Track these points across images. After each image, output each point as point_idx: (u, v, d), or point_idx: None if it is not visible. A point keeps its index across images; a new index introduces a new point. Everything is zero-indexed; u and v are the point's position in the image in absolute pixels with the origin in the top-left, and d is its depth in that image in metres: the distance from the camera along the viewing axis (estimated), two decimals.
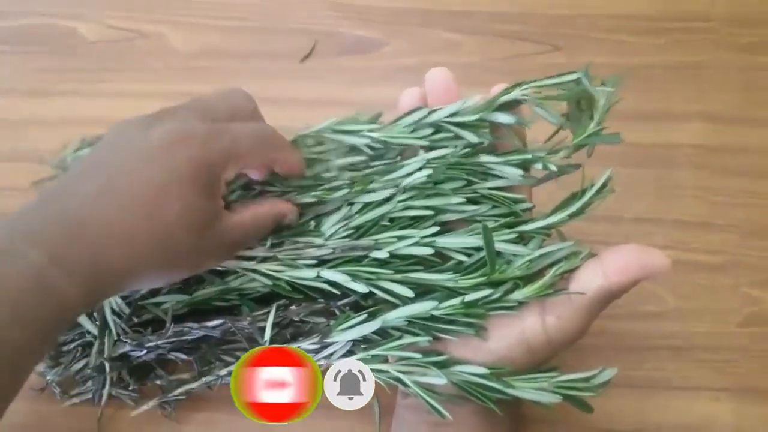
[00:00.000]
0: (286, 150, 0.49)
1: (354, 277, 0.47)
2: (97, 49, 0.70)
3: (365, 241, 0.48)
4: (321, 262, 0.49)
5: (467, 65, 0.69)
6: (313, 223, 0.51)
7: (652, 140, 0.65)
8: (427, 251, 0.46)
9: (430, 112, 0.49)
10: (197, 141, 0.43)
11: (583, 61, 0.67)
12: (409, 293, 0.46)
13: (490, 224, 0.45)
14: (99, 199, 0.41)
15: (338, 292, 0.49)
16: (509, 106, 0.48)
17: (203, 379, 0.52)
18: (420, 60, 0.69)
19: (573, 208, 0.45)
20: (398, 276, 0.47)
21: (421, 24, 0.71)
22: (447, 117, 0.48)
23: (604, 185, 0.45)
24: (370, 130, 0.50)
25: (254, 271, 0.50)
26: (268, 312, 0.51)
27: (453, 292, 0.45)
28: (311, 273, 0.48)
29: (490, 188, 0.48)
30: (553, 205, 0.47)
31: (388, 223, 0.49)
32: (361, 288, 0.47)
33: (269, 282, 0.50)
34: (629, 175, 0.63)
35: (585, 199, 0.45)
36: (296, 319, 0.51)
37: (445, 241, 0.47)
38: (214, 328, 0.51)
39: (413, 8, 0.72)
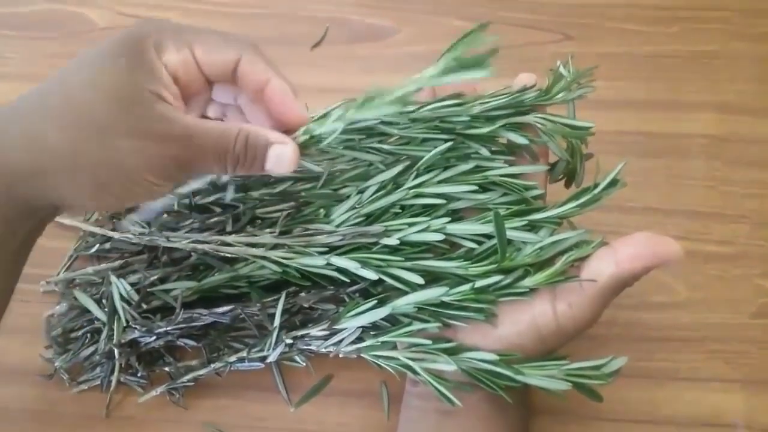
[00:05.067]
0: (257, 57, 0.41)
1: (364, 264, 0.47)
2: (108, 35, 0.69)
3: (375, 228, 0.47)
4: (330, 249, 0.49)
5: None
6: (323, 211, 0.51)
7: (665, 130, 0.65)
8: (437, 237, 0.46)
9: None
10: (140, 26, 0.39)
11: (594, 51, 0.68)
12: (419, 280, 0.46)
13: (501, 212, 0.45)
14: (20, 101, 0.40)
15: (347, 280, 0.49)
16: (523, 126, 0.48)
17: (212, 365, 0.52)
18: (430, 48, 0.69)
19: (583, 199, 0.45)
20: (408, 263, 0.46)
21: (432, 12, 0.71)
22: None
23: (615, 180, 0.45)
24: (380, 141, 0.50)
25: (264, 258, 0.50)
26: (278, 299, 0.51)
27: (463, 279, 0.45)
28: (321, 260, 0.48)
29: (501, 175, 0.47)
30: (565, 194, 0.47)
31: (399, 210, 0.49)
32: (371, 275, 0.47)
33: (279, 269, 0.50)
34: (642, 164, 0.63)
35: (596, 191, 0.45)
36: (306, 305, 0.51)
37: (455, 228, 0.46)
38: (223, 314, 0.51)
39: None
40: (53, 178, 0.38)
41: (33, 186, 0.39)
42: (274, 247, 0.50)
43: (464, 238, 0.46)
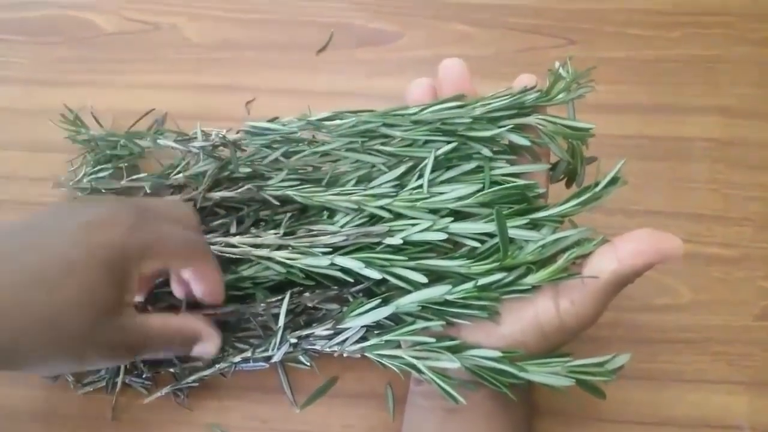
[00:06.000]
0: (210, 267, 0.48)
1: (368, 263, 0.47)
2: (114, 41, 0.70)
3: (379, 228, 0.48)
4: (334, 250, 0.49)
5: (481, 58, 0.69)
6: (326, 213, 0.51)
7: (667, 134, 0.65)
8: (440, 237, 0.46)
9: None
10: (121, 227, 0.43)
11: (596, 55, 0.68)
12: (423, 279, 0.46)
13: (503, 211, 0.45)
14: None
15: (351, 280, 0.49)
16: (524, 127, 0.48)
17: (216, 366, 0.52)
18: (434, 52, 0.69)
19: (584, 197, 0.45)
20: (411, 263, 0.47)
21: (436, 16, 0.71)
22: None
23: (615, 178, 0.45)
24: (382, 143, 0.50)
25: (268, 258, 0.50)
26: (282, 299, 0.51)
27: (466, 278, 0.45)
28: (325, 260, 0.48)
29: (503, 174, 0.48)
30: (566, 195, 0.47)
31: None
32: (375, 274, 0.47)
33: (283, 270, 0.50)
34: (644, 168, 0.63)
35: (597, 189, 0.45)
36: (310, 305, 0.51)
37: (458, 227, 0.46)
38: (229, 313, 0.52)
39: (428, 1, 0.72)
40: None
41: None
42: (279, 248, 0.50)
43: (467, 237, 0.47)
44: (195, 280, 0.48)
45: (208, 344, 0.49)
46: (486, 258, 0.45)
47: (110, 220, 0.43)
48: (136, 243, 0.43)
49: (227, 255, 0.51)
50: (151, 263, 0.45)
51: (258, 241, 0.50)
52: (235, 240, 0.51)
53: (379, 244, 0.48)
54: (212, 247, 0.51)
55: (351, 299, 0.50)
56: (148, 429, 0.55)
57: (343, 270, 0.49)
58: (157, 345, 0.46)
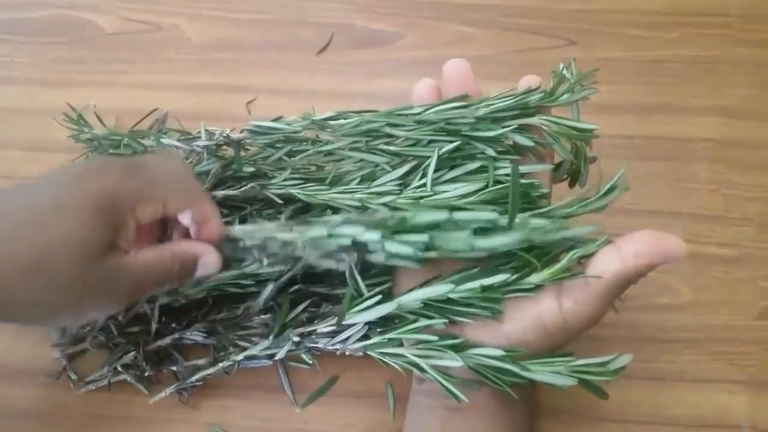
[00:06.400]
0: (207, 205, 0.48)
1: (368, 228, 0.46)
2: (115, 41, 0.71)
3: (381, 213, 0.47)
4: None
5: (481, 58, 0.69)
6: (330, 211, 0.51)
7: (667, 134, 0.65)
8: (443, 216, 0.45)
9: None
10: (111, 174, 0.43)
11: (596, 56, 0.68)
12: (424, 238, 0.44)
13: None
14: None
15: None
16: (528, 127, 0.48)
17: (220, 364, 0.52)
18: (434, 53, 0.70)
19: (587, 201, 0.46)
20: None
21: (437, 17, 0.71)
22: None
23: (614, 186, 0.45)
24: (386, 143, 0.50)
25: (269, 238, 0.49)
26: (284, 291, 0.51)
27: (467, 249, 0.45)
28: (324, 230, 0.47)
29: (506, 174, 0.48)
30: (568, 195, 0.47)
31: None
32: (375, 237, 0.45)
33: (283, 246, 0.49)
34: (644, 168, 0.63)
35: (597, 201, 0.45)
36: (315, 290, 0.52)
37: (462, 215, 0.46)
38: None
39: (428, 1, 0.72)
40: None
41: None
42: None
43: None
44: (194, 222, 0.47)
45: (209, 260, 0.47)
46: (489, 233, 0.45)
47: (100, 170, 0.43)
48: (126, 188, 0.43)
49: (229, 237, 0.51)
50: (146, 208, 0.44)
51: (258, 227, 0.50)
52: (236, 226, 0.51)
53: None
54: None
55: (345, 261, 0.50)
56: (148, 428, 0.55)
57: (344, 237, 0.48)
58: (156, 278, 0.45)
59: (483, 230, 0.45)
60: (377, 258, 0.45)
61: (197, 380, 0.53)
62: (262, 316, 0.52)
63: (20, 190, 0.43)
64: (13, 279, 0.39)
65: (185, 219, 0.47)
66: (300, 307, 0.52)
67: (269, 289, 0.52)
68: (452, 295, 0.45)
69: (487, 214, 0.45)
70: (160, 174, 0.45)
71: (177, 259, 0.46)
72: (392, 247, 0.45)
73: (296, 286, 0.53)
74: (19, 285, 0.39)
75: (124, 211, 0.43)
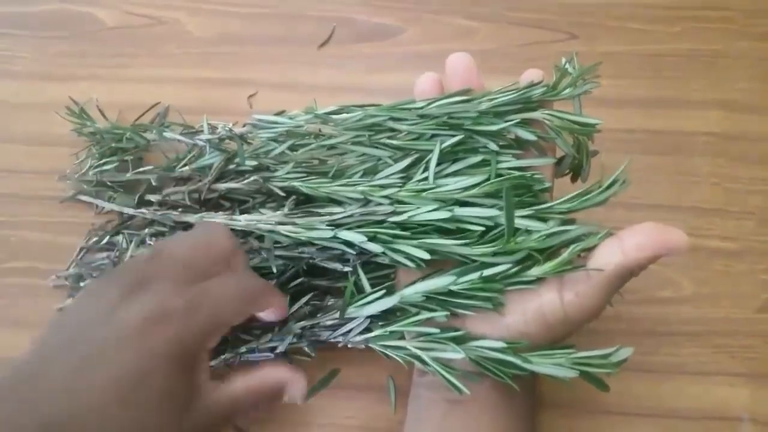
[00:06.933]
0: (270, 298, 0.47)
1: (371, 238, 0.47)
2: (116, 35, 0.70)
3: (384, 207, 0.48)
4: (338, 227, 0.49)
5: (484, 52, 0.69)
6: (332, 204, 0.51)
7: (669, 128, 0.65)
8: (444, 215, 0.46)
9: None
10: (174, 321, 0.40)
11: (598, 50, 0.68)
12: (425, 255, 0.46)
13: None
14: (71, 395, 0.37)
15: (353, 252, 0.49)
16: (531, 122, 0.48)
17: (221, 356, 0.52)
18: (437, 47, 0.69)
19: (588, 196, 0.46)
20: (414, 241, 0.46)
21: (439, 11, 0.71)
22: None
23: (615, 180, 0.45)
24: (389, 137, 0.50)
25: (271, 231, 0.50)
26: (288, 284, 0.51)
27: (467, 261, 0.45)
28: (328, 233, 0.48)
29: (509, 168, 0.48)
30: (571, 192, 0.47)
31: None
32: (377, 248, 0.47)
33: (287, 241, 0.51)
34: (646, 162, 0.63)
35: (599, 196, 0.45)
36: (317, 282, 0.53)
37: (463, 211, 0.46)
38: None
39: None
40: None
41: None
42: (281, 224, 0.50)
43: (472, 223, 0.46)
44: (261, 315, 0.48)
45: (295, 388, 0.47)
46: (489, 242, 0.45)
47: (159, 316, 0.40)
48: (197, 329, 0.41)
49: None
50: (216, 336, 0.43)
51: (262, 218, 0.50)
52: (240, 217, 0.51)
53: (383, 223, 0.48)
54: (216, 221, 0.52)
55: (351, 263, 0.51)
56: None
57: (347, 244, 0.48)
58: (246, 407, 0.45)
59: (485, 231, 0.46)
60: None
61: None
62: None
63: (75, 356, 0.39)
64: None
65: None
66: (302, 300, 0.52)
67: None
68: (454, 288, 0.45)
69: (488, 211, 0.45)
70: (221, 298, 0.43)
71: (264, 387, 0.46)
72: (395, 256, 0.46)
73: (299, 280, 0.53)
74: None
75: (198, 351, 0.42)
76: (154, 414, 0.39)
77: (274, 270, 0.51)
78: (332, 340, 0.50)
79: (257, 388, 0.46)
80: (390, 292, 0.47)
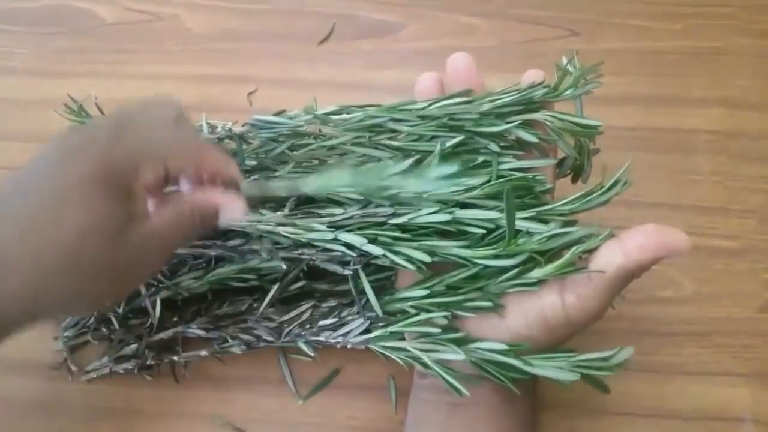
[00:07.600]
0: (213, 154, 0.46)
1: (371, 240, 0.47)
2: (115, 31, 0.70)
3: (384, 208, 0.47)
4: (338, 229, 0.49)
5: (485, 49, 0.68)
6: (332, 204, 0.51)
7: (670, 125, 0.65)
8: (445, 218, 0.46)
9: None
10: (97, 146, 0.41)
11: (599, 47, 0.68)
12: (426, 258, 0.45)
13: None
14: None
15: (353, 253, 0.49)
16: (532, 123, 0.48)
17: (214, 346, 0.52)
18: (437, 43, 0.69)
19: (591, 197, 0.45)
20: (414, 243, 0.46)
21: (440, 7, 0.71)
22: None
23: (617, 181, 0.45)
24: (389, 138, 0.50)
25: (271, 232, 0.50)
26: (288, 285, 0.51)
27: (467, 262, 0.45)
28: (329, 234, 0.48)
29: (510, 169, 0.48)
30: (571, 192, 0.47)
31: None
32: (377, 251, 0.46)
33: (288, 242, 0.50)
34: (647, 160, 0.63)
35: (601, 195, 0.45)
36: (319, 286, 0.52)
37: (464, 213, 0.46)
38: (233, 248, 0.51)
39: None
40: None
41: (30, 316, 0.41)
42: (281, 225, 0.50)
43: (472, 225, 0.46)
44: (204, 168, 0.46)
45: (232, 208, 0.46)
46: (490, 244, 0.45)
47: (84, 142, 0.41)
48: (118, 156, 0.41)
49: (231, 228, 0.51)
50: (147, 170, 0.42)
51: (262, 218, 0.50)
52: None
53: (383, 225, 0.48)
54: None
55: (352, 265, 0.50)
56: (151, 420, 0.55)
57: (347, 246, 0.48)
58: (181, 234, 0.44)
59: (486, 234, 0.45)
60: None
61: (193, 356, 0.54)
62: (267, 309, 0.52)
63: (16, 194, 0.41)
64: (47, 277, 0.39)
65: (195, 172, 0.46)
66: (303, 306, 0.52)
67: (274, 289, 0.52)
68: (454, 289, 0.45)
69: (489, 213, 0.45)
70: (151, 131, 0.43)
71: (196, 211, 0.45)
72: (395, 258, 0.46)
73: (300, 283, 0.53)
74: (55, 281, 0.39)
75: (126, 179, 0.41)
76: (84, 235, 0.39)
77: (284, 266, 0.51)
78: (332, 341, 0.49)
79: (189, 212, 0.44)
80: (390, 291, 0.47)
